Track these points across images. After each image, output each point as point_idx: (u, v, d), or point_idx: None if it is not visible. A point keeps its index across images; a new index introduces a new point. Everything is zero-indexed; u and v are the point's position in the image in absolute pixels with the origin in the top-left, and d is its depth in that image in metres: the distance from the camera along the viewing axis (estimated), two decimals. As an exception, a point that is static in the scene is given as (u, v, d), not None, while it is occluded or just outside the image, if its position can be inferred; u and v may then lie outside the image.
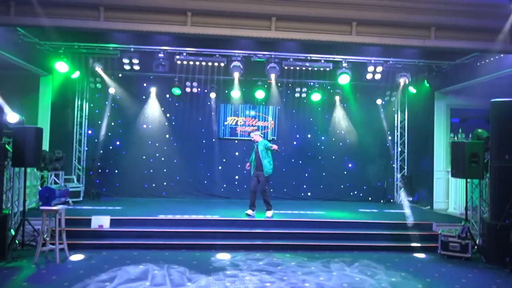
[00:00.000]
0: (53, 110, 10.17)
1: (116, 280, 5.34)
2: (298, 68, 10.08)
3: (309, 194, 11.86)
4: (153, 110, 11.54)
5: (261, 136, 8.83)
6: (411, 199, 11.41)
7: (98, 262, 6.17)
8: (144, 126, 11.53)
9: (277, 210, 8.98)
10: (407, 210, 9.62)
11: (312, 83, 11.49)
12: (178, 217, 8.13)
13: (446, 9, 7.17)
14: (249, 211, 8.44)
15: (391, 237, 7.75)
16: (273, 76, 10.18)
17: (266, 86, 11.37)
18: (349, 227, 8.05)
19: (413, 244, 7.52)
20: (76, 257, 6.39)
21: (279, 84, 11.61)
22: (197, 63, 9.83)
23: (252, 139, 8.80)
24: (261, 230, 7.78)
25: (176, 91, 11.04)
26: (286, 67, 10.01)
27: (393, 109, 12.31)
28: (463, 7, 7.17)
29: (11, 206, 6.97)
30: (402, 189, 11.77)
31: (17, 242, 6.73)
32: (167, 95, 11.49)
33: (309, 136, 12.01)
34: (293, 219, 8.31)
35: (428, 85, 10.55)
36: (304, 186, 11.89)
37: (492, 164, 6.95)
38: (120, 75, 10.90)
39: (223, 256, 6.68)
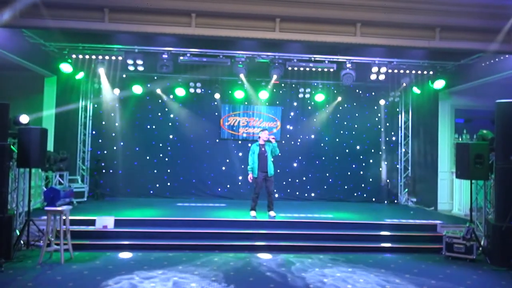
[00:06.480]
0: (58, 110, 10.21)
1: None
2: (301, 68, 10.05)
3: (312, 194, 11.86)
4: (156, 110, 11.57)
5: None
6: (415, 200, 11.39)
7: (102, 262, 6.20)
8: (148, 126, 11.56)
9: (280, 211, 9.00)
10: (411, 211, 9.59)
11: (315, 84, 11.50)
12: (182, 218, 8.14)
13: (451, 10, 7.15)
14: (272, 212, 8.53)
15: (395, 238, 7.72)
16: (276, 76, 10.18)
17: (269, 86, 11.38)
18: (352, 228, 8.02)
19: (417, 246, 7.50)
20: (81, 257, 6.41)
21: (282, 85, 11.62)
22: (201, 64, 9.84)
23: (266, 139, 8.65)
24: (264, 231, 7.78)
25: (180, 91, 11.08)
26: (289, 68, 9.99)
27: (397, 109, 12.28)
28: (468, 8, 7.13)
29: (16, 206, 7.01)
30: (406, 190, 11.75)
31: (22, 242, 6.76)
32: (171, 96, 11.52)
33: (312, 136, 12.01)
34: (296, 220, 8.29)
35: (432, 85, 10.52)
36: (308, 187, 11.88)
37: (497, 165, 6.92)
38: (124, 75, 10.92)
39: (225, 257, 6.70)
